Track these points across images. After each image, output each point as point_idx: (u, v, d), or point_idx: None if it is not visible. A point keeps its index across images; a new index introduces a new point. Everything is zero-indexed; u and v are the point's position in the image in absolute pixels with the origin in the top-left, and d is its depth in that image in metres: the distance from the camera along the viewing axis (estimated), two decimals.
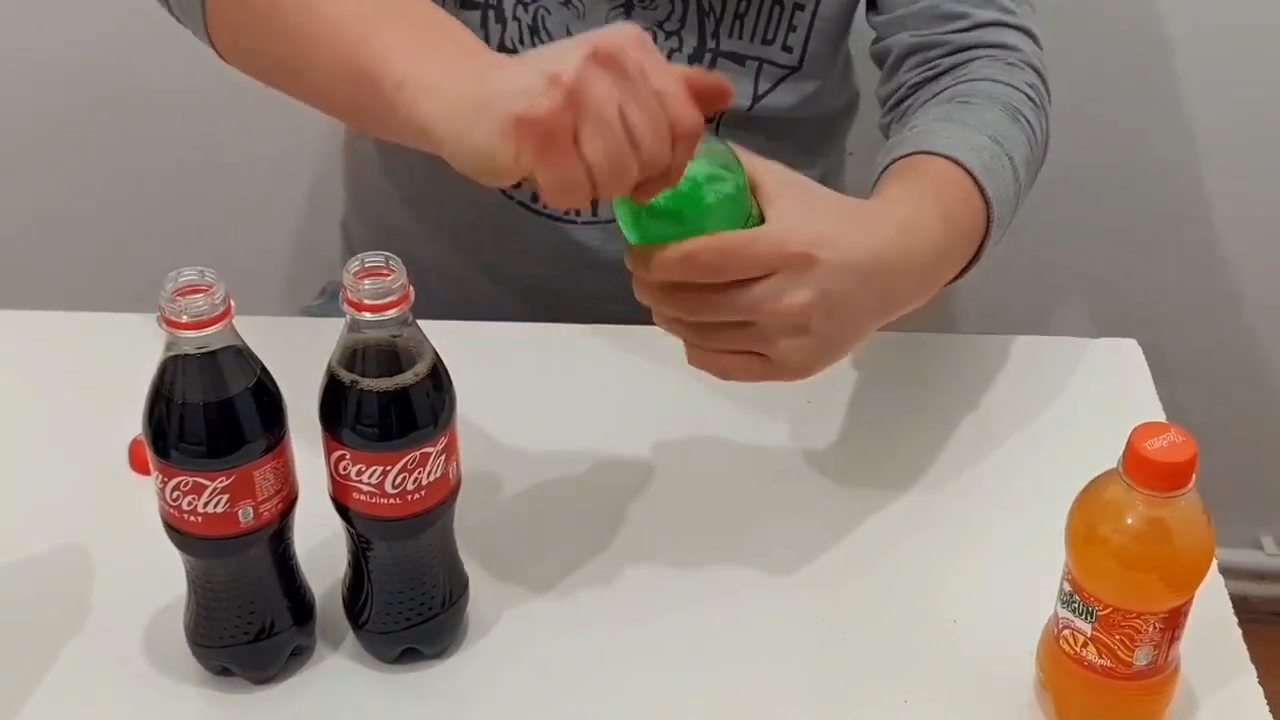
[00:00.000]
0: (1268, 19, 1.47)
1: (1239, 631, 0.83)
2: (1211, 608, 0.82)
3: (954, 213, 0.88)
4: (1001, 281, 1.61)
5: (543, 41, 1.06)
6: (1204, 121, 1.53)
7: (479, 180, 0.74)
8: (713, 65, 1.07)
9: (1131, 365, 1.03)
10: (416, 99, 0.75)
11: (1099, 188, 1.58)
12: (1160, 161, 1.56)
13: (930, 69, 1.02)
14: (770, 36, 1.06)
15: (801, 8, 1.05)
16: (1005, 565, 0.86)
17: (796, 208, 0.78)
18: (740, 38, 1.06)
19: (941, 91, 0.99)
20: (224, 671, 0.79)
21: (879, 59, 1.07)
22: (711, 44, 1.06)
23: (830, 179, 1.24)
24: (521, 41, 1.06)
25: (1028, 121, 0.97)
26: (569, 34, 1.03)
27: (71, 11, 1.53)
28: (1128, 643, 0.73)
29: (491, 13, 1.06)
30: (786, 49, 1.07)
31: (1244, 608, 0.86)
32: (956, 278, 0.91)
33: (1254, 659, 0.82)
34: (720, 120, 1.08)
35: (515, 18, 1.06)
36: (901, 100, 1.03)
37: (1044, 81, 1.03)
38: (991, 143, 0.92)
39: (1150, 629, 0.73)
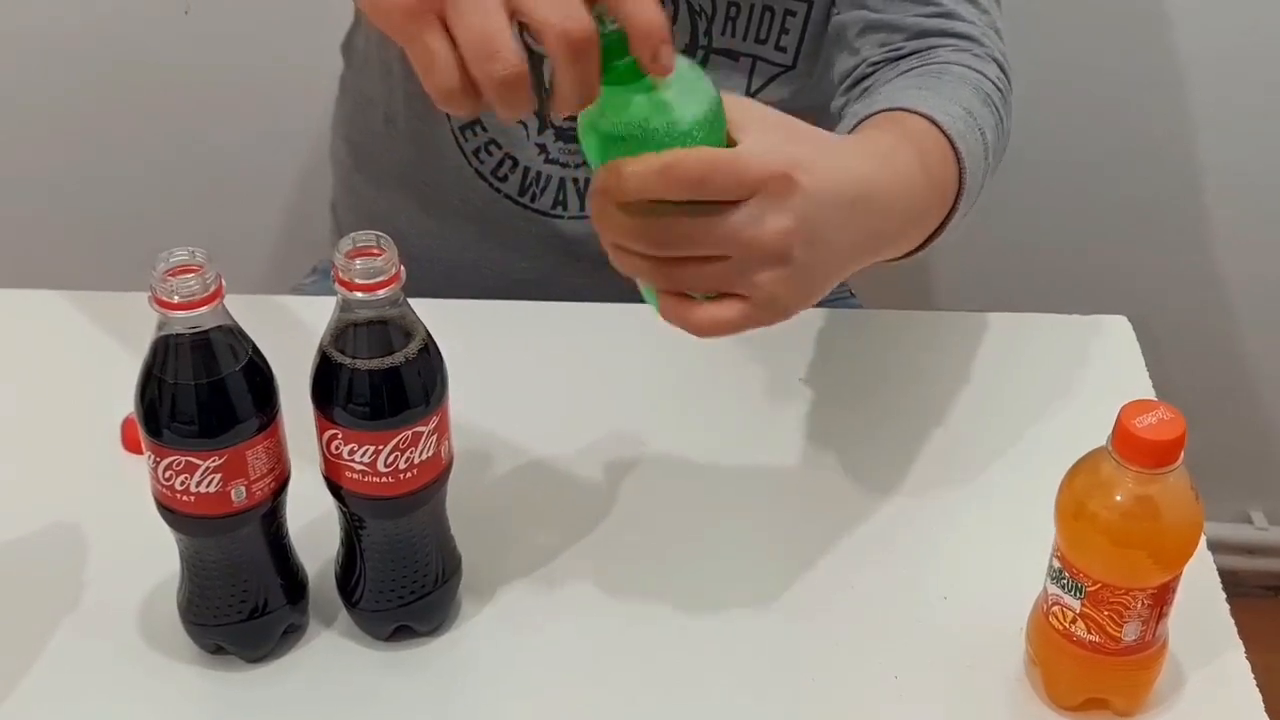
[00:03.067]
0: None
1: (1227, 607, 0.84)
2: (1200, 583, 0.83)
3: (931, 161, 0.84)
4: (992, 258, 1.62)
5: (530, 36, 1.05)
6: (1194, 98, 1.53)
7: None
8: (705, 62, 1.07)
9: (1121, 342, 1.03)
10: None
11: (1089, 165, 1.58)
12: (1150, 138, 1.56)
13: (894, 50, 0.98)
14: (763, 37, 1.06)
15: (793, 13, 1.05)
16: (995, 541, 0.87)
17: (772, 134, 0.73)
18: (733, 36, 1.06)
19: (908, 71, 0.96)
20: (218, 650, 0.79)
21: (836, 34, 1.03)
22: (704, 41, 1.06)
23: None
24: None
25: (996, 108, 0.95)
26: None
27: (58, 10, 1.53)
28: (1116, 618, 0.74)
29: None
30: (780, 49, 1.07)
31: (1233, 582, 0.87)
32: (926, 243, 0.87)
33: (1243, 633, 0.82)
34: None
35: None
36: (862, 79, 0.99)
37: (1008, 78, 1.00)
38: (965, 113, 0.89)
39: (1138, 605, 0.73)
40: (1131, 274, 1.63)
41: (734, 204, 0.70)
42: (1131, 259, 1.63)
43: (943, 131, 0.85)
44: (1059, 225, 1.62)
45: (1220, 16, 1.48)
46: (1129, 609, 0.73)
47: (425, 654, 0.80)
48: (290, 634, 0.80)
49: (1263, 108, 1.53)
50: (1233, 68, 1.51)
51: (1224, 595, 0.84)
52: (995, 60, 0.98)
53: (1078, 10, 1.49)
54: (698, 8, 1.04)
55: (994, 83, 0.96)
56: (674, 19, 1.05)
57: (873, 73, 0.98)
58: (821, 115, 1.16)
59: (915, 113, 0.86)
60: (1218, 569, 0.85)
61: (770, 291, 0.72)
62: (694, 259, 0.71)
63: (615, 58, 0.69)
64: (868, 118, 0.87)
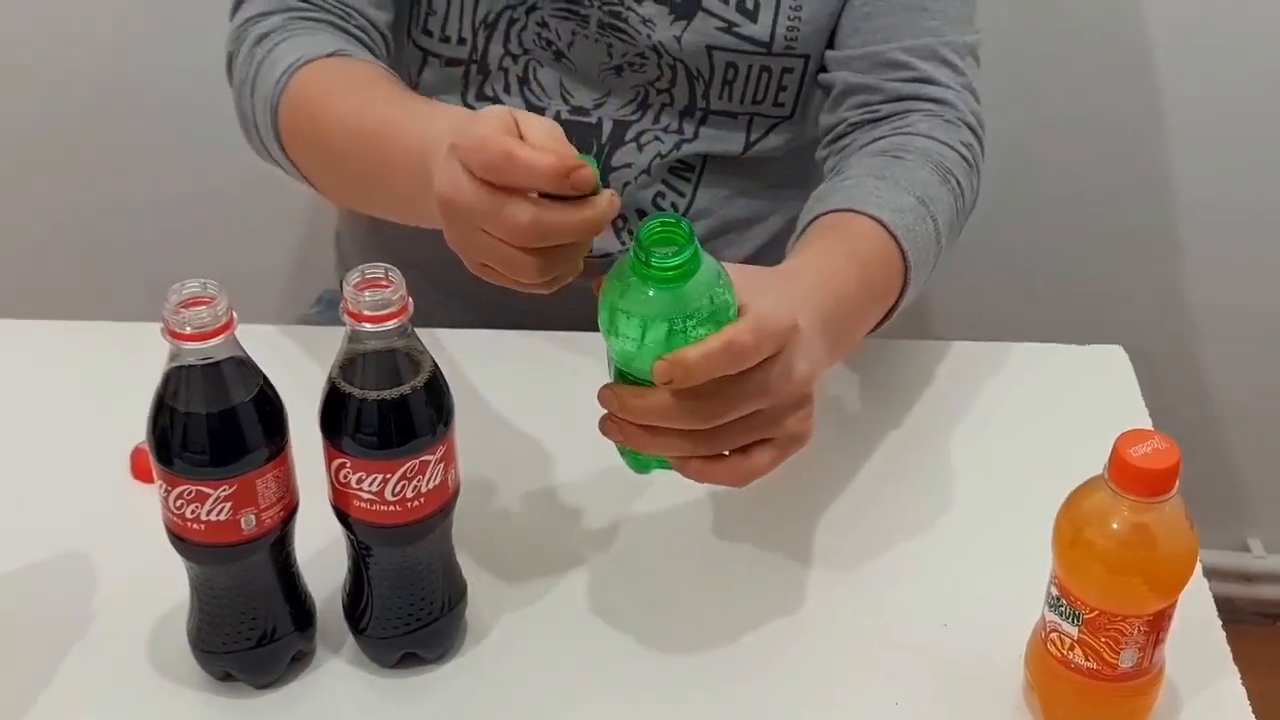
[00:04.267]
0: (1256, 29, 1.48)
1: (1223, 633, 0.84)
2: (1196, 610, 0.84)
3: (871, 274, 0.91)
4: (990, 288, 1.63)
5: (533, 93, 1.09)
6: (1190, 130, 1.54)
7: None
8: (704, 122, 1.09)
9: (1118, 372, 1.04)
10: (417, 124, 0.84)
11: (1086, 196, 1.59)
12: (1146, 170, 1.57)
13: (871, 112, 1.04)
14: (760, 97, 1.08)
15: (790, 70, 1.07)
16: (993, 569, 0.88)
17: (769, 292, 0.78)
18: (730, 100, 1.08)
19: (879, 139, 1.02)
20: (227, 677, 0.80)
21: (824, 90, 1.08)
22: (702, 104, 1.08)
23: None
24: (507, 90, 1.09)
25: (957, 182, 1.00)
26: (561, 87, 1.08)
27: (72, 25, 1.54)
28: (1113, 645, 0.75)
29: (474, 66, 1.09)
30: (778, 104, 1.09)
31: (1231, 609, 0.88)
32: (874, 330, 0.94)
33: (1241, 660, 0.83)
34: (705, 165, 1.10)
35: (502, 68, 1.08)
36: (841, 136, 1.05)
37: (979, 140, 1.05)
38: (918, 203, 0.95)
39: (1135, 631, 0.74)
40: (1128, 304, 1.64)
41: (769, 361, 0.75)
42: (1128, 289, 1.64)
43: (891, 234, 0.91)
44: (1056, 256, 1.63)
45: (1215, 51, 1.49)
46: (1126, 636, 0.74)
47: (431, 681, 0.81)
48: (298, 661, 0.81)
49: (1257, 140, 1.54)
50: (1227, 101, 1.52)
51: (1220, 622, 0.85)
52: (966, 124, 1.04)
53: (1080, 46, 1.51)
54: (695, 72, 1.06)
55: (959, 152, 1.01)
56: (672, 83, 1.07)
57: (851, 132, 1.04)
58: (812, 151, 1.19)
59: (865, 214, 0.92)
60: (1215, 596, 0.86)
61: (798, 430, 0.79)
62: (731, 423, 0.76)
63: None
64: (823, 214, 0.93)
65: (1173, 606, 0.75)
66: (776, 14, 1.04)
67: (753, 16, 1.04)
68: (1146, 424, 0.98)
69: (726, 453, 0.78)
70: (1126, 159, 1.57)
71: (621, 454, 0.81)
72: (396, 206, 0.91)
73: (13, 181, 1.64)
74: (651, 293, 0.73)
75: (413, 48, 1.10)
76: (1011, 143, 1.56)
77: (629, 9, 1.04)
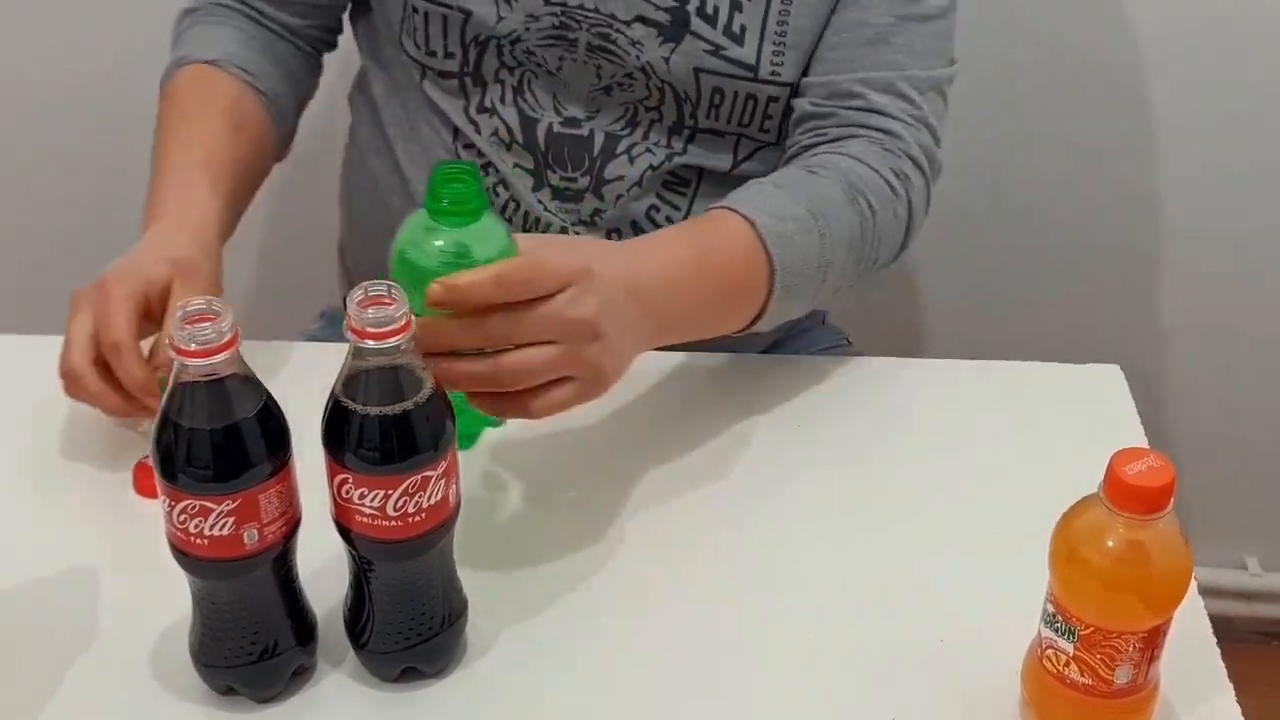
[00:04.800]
0: (1252, 47, 1.49)
1: (1218, 651, 0.85)
2: (1191, 628, 0.84)
3: (711, 264, 0.94)
4: (987, 307, 1.64)
5: (527, 103, 1.11)
6: (1185, 150, 1.55)
7: None
8: (691, 139, 1.10)
9: (1114, 390, 1.05)
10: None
11: (1082, 215, 1.60)
12: (1143, 189, 1.58)
13: (819, 135, 1.06)
14: (746, 121, 1.10)
15: (776, 99, 1.09)
16: (990, 586, 0.88)
17: (560, 244, 0.86)
18: (717, 120, 1.09)
19: (814, 158, 1.04)
20: (228, 691, 0.80)
21: (783, 115, 1.10)
22: (690, 122, 1.09)
23: None
24: (503, 100, 1.10)
25: (868, 205, 1.01)
26: (554, 99, 1.10)
27: (74, 41, 1.56)
28: (1108, 661, 0.75)
29: (469, 79, 1.10)
30: (764, 130, 1.11)
31: (1228, 628, 0.88)
32: (748, 327, 0.97)
33: (1237, 679, 0.83)
34: (701, 179, 1.11)
35: (499, 80, 1.10)
36: (793, 157, 1.07)
37: (923, 173, 1.06)
38: (808, 215, 0.97)
39: (1130, 648, 0.75)
40: (1124, 324, 1.65)
41: (550, 296, 0.81)
42: (1124, 309, 1.65)
43: (757, 234, 0.95)
44: (1053, 275, 1.63)
45: (1217, 73, 1.50)
46: (1121, 652, 0.75)
47: (432, 695, 0.81)
48: (299, 675, 0.81)
49: (1255, 160, 1.55)
50: (1224, 121, 1.53)
51: (1215, 640, 0.85)
52: (909, 155, 1.05)
53: (1073, 65, 1.52)
54: (683, 94, 1.07)
55: (885, 179, 1.03)
56: (660, 101, 1.08)
57: (801, 154, 1.06)
58: None
59: (738, 213, 0.96)
60: (1212, 615, 0.87)
61: (595, 363, 0.83)
62: (526, 349, 0.81)
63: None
64: (710, 209, 0.98)
65: (1168, 623, 0.76)
66: (762, 40, 1.06)
67: (739, 40, 1.05)
68: (1142, 443, 0.98)
69: None
70: (1123, 178, 1.58)
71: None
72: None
73: (17, 198, 1.65)
74: (443, 232, 0.80)
75: (407, 58, 1.12)
76: (1009, 161, 1.57)
77: (618, 30, 1.05)
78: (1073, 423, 1.02)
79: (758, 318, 0.97)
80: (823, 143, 1.06)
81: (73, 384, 0.92)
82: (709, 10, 1.05)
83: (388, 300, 0.73)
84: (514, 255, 0.81)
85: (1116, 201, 1.59)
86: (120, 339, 0.90)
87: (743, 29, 1.05)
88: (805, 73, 1.08)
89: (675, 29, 1.05)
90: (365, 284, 0.74)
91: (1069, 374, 1.07)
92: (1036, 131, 1.55)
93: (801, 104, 1.07)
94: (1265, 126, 1.53)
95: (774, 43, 1.05)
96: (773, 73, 1.07)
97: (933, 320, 1.66)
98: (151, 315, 0.93)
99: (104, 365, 0.91)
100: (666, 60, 1.06)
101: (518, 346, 0.80)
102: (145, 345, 0.93)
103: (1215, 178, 1.56)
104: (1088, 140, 1.56)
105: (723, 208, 0.97)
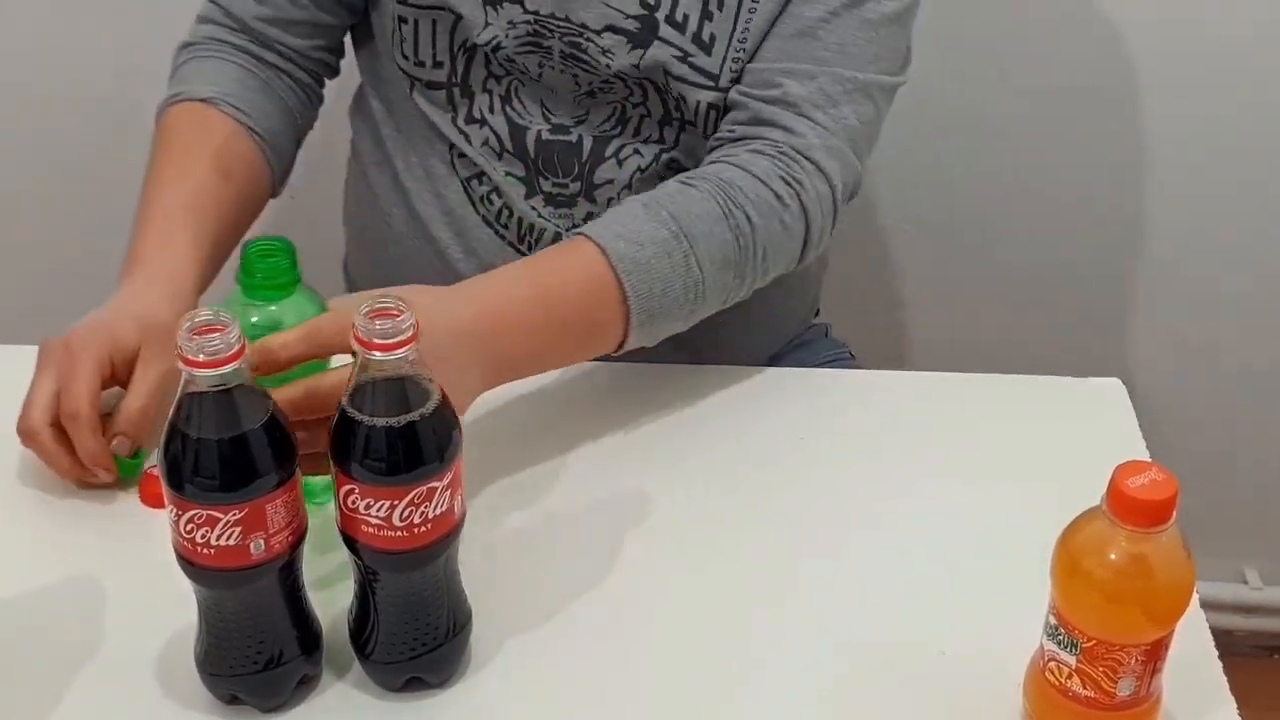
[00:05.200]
0: (1245, 67, 1.50)
1: (1219, 664, 0.85)
2: (1193, 640, 0.84)
3: (564, 301, 0.94)
4: (990, 322, 1.64)
5: (515, 111, 1.11)
6: (1189, 162, 1.55)
7: None
8: (682, 130, 1.10)
9: (1115, 404, 1.06)
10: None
11: (1085, 230, 1.61)
12: (1146, 205, 1.59)
13: (729, 131, 1.05)
14: (713, 129, 1.09)
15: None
16: (992, 598, 0.88)
17: (396, 294, 0.84)
18: (695, 118, 1.09)
19: (703, 167, 1.03)
20: (233, 700, 0.80)
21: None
22: (677, 114, 1.10)
23: None
24: (492, 110, 1.11)
25: (746, 219, 0.99)
26: (542, 105, 1.10)
27: (76, 55, 1.56)
28: (1111, 674, 0.75)
29: (456, 90, 1.11)
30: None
31: (1228, 641, 0.88)
32: (619, 349, 0.97)
33: (1238, 692, 0.84)
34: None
35: (486, 89, 1.11)
36: (711, 150, 1.07)
37: (826, 176, 1.03)
38: (671, 237, 0.96)
39: (1133, 661, 0.75)
40: (1126, 338, 1.65)
41: None
42: (1127, 323, 1.65)
43: (612, 266, 0.94)
44: (1056, 289, 1.64)
45: (1214, 90, 1.51)
46: (1123, 665, 0.75)
47: (436, 705, 0.82)
48: (304, 685, 0.82)
49: (1256, 175, 1.56)
50: (1227, 138, 1.54)
51: (1217, 654, 0.86)
52: (809, 159, 1.02)
53: (1071, 83, 1.52)
54: (662, 87, 1.07)
55: (773, 188, 1.01)
56: (645, 97, 1.08)
57: (715, 148, 1.06)
58: None
59: (593, 241, 0.95)
60: (1213, 628, 0.87)
61: None
62: None
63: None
64: (572, 234, 0.98)
65: (1170, 636, 0.76)
66: (728, 49, 1.06)
67: (707, 49, 1.05)
68: (1144, 456, 0.98)
69: None
70: (1127, 193, 1.58)
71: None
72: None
73: (15, 209, 1.65)
74: (257, 307, 0.82)
75: (397, 71, 1.13)
76: (1011, 177, 1.58)
77: (589, 39, 1.06)
78: (1075, 436, 1.02)
79: (623, 343, 0.97)
80: (728, 141, 1.04)
81: (28, 440, 0.93)
82: (678, 18, 1.05)
83: (394, 312, 0.74)
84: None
85: (1119, 216, 1.60)
86: (79, 409, 0.91)
87: (712, 38, 1.05)
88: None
89: (644, 35, 1.05)
90: (373, 296, 0.74)
91: (1071, 387, 1.07)
92: (1040, 148, 1.56)
93: (731, 94, 1.06)
94: (1267, 141, 1.53)
95: (735, 51, 1.05)
96: (732, 80, 1.06)
97: (935, 334, 1.67)
98: (116, 378, 0.94)
99: (61, 427, 0.92)
100: (637, 66, 1.06)
101: None
102: (114, 393, 0.94)
103: (1217, 193, 1.57)
104: (1093, 156, 1.56)
105: (581, 234, 0.97)
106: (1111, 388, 1.07)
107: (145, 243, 1.03)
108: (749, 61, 1.06)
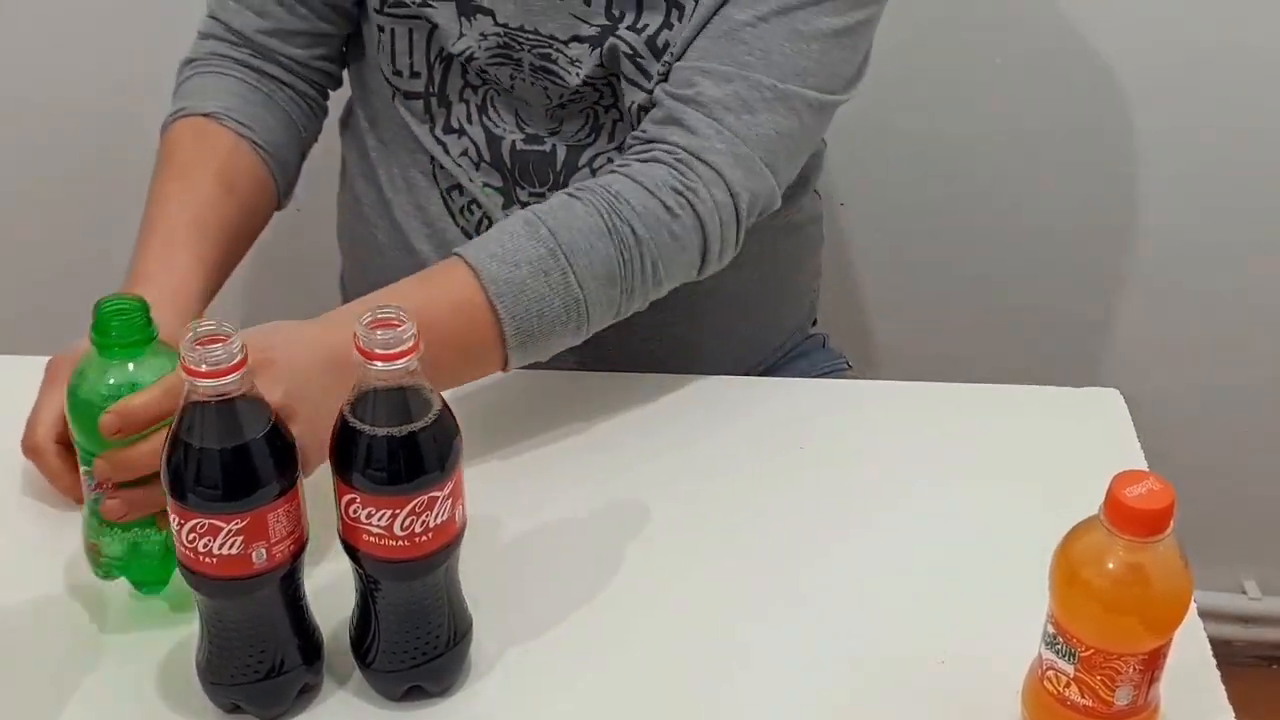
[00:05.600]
0: (1241, 73, 1.50)
1: (1218, 674, 0.85)
2: (1192, 650, 0.85)
3: (432, 325, 0.87)
4: (988, 331, 1.64)
5: (491, 120, 1.12)
6: (1189, 176, 1.56)
7: None
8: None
9: (1114, 414, 1.06)
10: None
11: (1083, 240, 1.61)
12: (1144, 215, 1.59)
13: (640, 133, 1.03)
14: None
15: None
16: (991, 608, 0.89)
17: (253, 334, 0.83)
18: None
19: (603, 175, 1.02)
20: (235, 709, 0.81)
21: None
22: (647, 103, 1.09)
23: (810, 224, 1.26)
24: (469, 120, 1.12)
25: (632, 232, 0.98)
26: (516, 116, 1.11)
27: (77, 69, 1.57)
28: (1109, 683, 0.76)
29: (434, 99, 1.12)
30: None
31: (1227, 651, 0.89)
32: (504, 368, 0.97)
33: (1237, 702, 0.84)
34: None
35: (463, 99, 1.11)
36: (624, 148, 1.06)
37: (723, 182, 1.00)
38: (548, 255, 0.95)
39: (1130, 670, 0.75)
40: (1124, 347, 1.66)
41: None
42: (1125, 332, 1.65)
43: (483, 287, 0.94)
44: (1054, 300, 1.64)
45: (1208, 92, 1.51)
46: (1121, 674, 0.75)
47: (436, 714, 0.82)
48: (305, 694, 0.82)
49: (1255, 183, 1.56)
50: (1223, 148, 1.54)
51: (1215, 664, 0.86)
52: (707, 163, 1.00)
53: (1067, 93, 1.53)
54: (628, 74, 1.07)
55: (662, 199, 0.99)
56: (615, 99, 1.09)
57: (630, 147, 1.04)
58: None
59: (467, 262, 0.95)
60: (1212, 639, 0.87)
61: (300, 442, 0.79)
62: None
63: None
64: (449, 255, 0.98)
65: (1168, 644, 0.76)
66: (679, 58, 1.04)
67: (659, 55, 1.04)
68: (1142, 466, 0.99)
69: None
70: (1124, 203, 1.59)
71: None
72: None
73: (17, 222, 1.66)
74: (113, 366, 0.81)
75: (382, 80, 1.13)
76: (1007, 187, 1.58)
77: (558, 50, 1.06)
78: (1073, 446, 1.03)
79: (505, 364, 0.96)
80: (639, 142, 1.03)
81: (32, 456, 0.93)
82: (639, 26, 1.04)
83: (395, 322, 0.74)
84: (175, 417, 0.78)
85: (1116, 227, 1.60)
86: None
87: (666, 45, 1.04)
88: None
89: (602, 37, 1.05)
90: (373, 307, 0.75)
91: (1069, 398, 1.08)
92: (1037, 158, 1.56)
93: (655, 90, 1.05)
94: (1265, 149, 1.54)
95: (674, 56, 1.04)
96: (660, 79, 1.05)
97: (932, 344, 1.67)
98: None
99: (67, 444, 0.91)
100: (601, 65, 1.06)
101: None
102: None
103: (1215, 201, 1.57)
104: (1089, 165, 1.57)
105: (456, 254, 0.96)
106: (1109, 398, 1.07)
107: (148, 259, 1.02)
108: (675, 60, 1.04)
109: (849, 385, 1.11)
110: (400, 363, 0.74)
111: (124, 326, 0.81)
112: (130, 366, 0.82)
